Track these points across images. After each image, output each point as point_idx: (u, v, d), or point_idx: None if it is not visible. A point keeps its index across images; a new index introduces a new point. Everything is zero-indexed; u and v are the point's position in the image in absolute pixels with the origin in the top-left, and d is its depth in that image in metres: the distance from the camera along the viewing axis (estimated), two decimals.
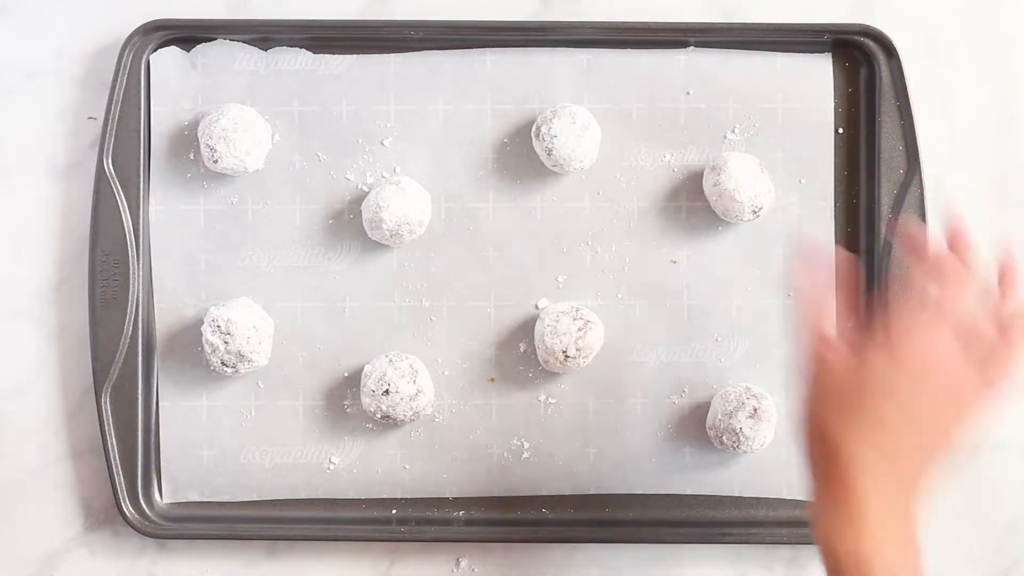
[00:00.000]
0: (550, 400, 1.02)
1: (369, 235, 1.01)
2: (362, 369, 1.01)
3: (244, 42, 1.02)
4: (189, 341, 1.02)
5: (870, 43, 1.02)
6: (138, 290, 1.01)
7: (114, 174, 1.01)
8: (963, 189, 1.05)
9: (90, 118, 1.04)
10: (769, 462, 1.02)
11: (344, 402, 1.02)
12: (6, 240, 1.04)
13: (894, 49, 1.01)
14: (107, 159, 1.01)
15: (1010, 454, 1.05)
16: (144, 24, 1.01)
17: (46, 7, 1.04)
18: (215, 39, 1.02)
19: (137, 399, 1.01)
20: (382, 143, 1.02)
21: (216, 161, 1.00)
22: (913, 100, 1.01)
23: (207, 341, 0.99)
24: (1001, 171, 1.05)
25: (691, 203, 1.03)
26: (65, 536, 1.04)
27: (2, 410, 1.04)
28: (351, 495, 1.02)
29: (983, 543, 1.01)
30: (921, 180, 1.01)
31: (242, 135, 1.00)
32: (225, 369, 0.99)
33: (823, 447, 0.80)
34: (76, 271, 1.03)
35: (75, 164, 1.04)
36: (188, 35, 1.02)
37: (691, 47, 1.02)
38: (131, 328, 1.01)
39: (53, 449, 1.04)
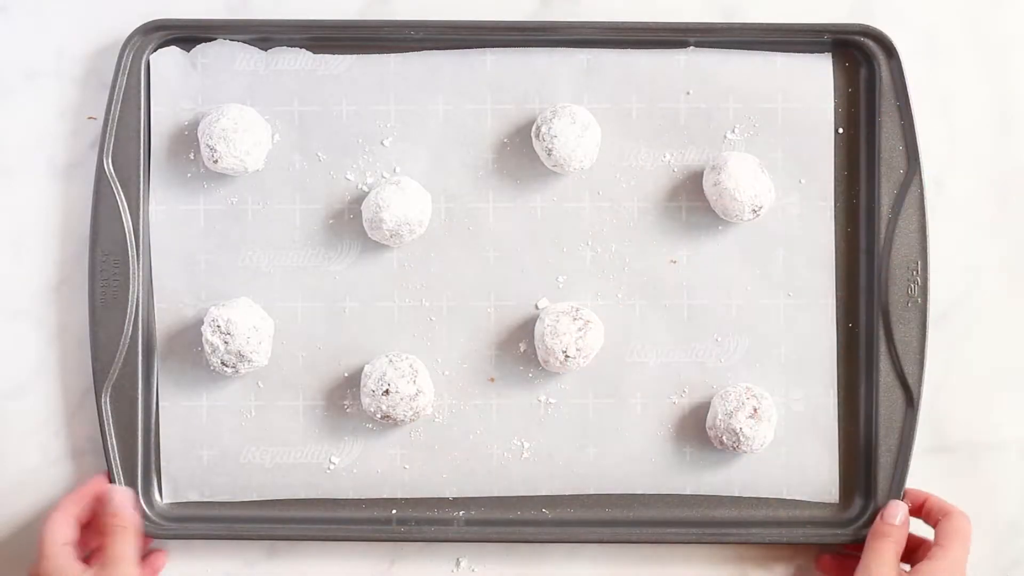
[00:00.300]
0: (550, 400, 1.02)
1: (369, 235, 1.01)
2: (362, 369, 1.01)
3: (244, 42, 1.02)
4: (189, 341, 1.02)
5: (870, 43, 1.01)
6: (138, 290, 1.01)
7: (114, 174, 1.01)
8: (963, 189, 1.05)
9: (90, 118, 1.04)
10: (769, 462, 1.02)
11: (344, 402, 1.02)
12: (6, 240, 1.04)
13: (894, 49, 1.01)
14: (107, 159, 1.01)
15: (1010, 454, 1.05)
16: (144, 24, 1.01)
17: (46, 7, 1.04)
18: (215, 39, 1.02)
19: (137, 399, 1.01)
20: (382, 143, 1.02)
21: (216, 161, 0.99)
22: (913, 100, 1.01)
23: (207, 341, 0.99)
24: (1001, 171, 1.05)
25: (691, 203, 1.02)
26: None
27: (2, 410, 1.04)
28: (351, 495, 1.02)
29: (983, 543, 1.01)
30: (921, 180, 1.01)
31: (242, 135, 0.99)
32: (225, 369, 0.99)
33: None
34: (76, 271, 1.03)
35: (75, 164, 1.04)
36: (188, 35, 1.02)
37: (691, 47, 1.02)
38: (131, 328, 1.00)
39: (53, 449, 1.04)
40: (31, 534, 1.02)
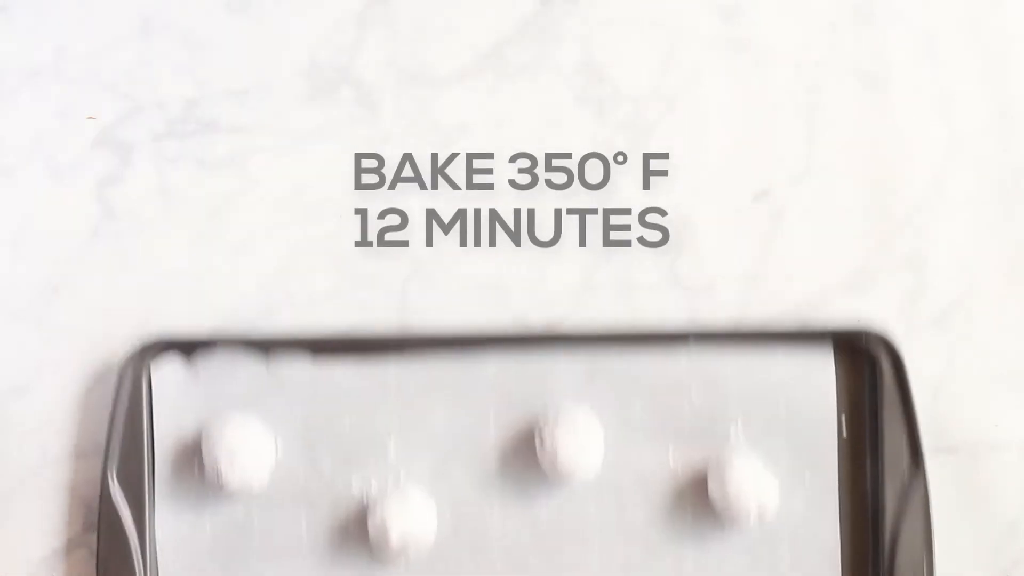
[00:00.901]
0: None
1: (375, 550, 1.01)
2: None
3: (245, 349, 1.02)
4: None
5: (872, 343, 1.01)
6: None
7: (120, 495, 1.01)
8: (963, 190, 1.05)
9: (89, 118, 1.04)
10: None
11: None
12: (6, 240, 1.04)
13: (895, 348, 1.01)
14: (112, 480, 1.00)
15: (1010, 454, 1.05)
16: (144, 345, 1.01)
17: (46, 6, 1.04)
18: (215, 347, 1.02)
19: None
20: (385, 451, 1.02)
21: (220, 479, 0.99)
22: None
23: None
24: (1001, 172, 1.05)
25: (696, 505, 1.02)
26: (66, 536, 1.04)
27: (2, 410, 1.04)
28: None
29: (983, 543, 1.01)
30: (925, 480, 1.00)
31: (246, 452, 0.99)
32: None
33: None
34: (76, 271, 1.03)
35: (75, 164, 1.04)
36: (188, 345, 1.02)
37: (691, 343, 1.02)
38: None
39: (53, 449, 1.04)
40: (31, 534, 1.02)
